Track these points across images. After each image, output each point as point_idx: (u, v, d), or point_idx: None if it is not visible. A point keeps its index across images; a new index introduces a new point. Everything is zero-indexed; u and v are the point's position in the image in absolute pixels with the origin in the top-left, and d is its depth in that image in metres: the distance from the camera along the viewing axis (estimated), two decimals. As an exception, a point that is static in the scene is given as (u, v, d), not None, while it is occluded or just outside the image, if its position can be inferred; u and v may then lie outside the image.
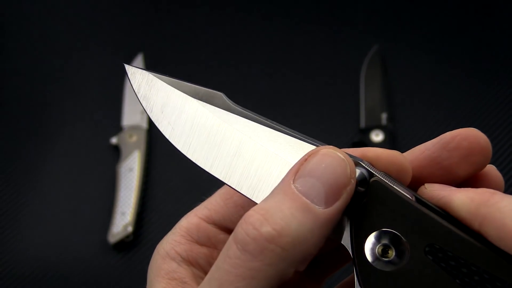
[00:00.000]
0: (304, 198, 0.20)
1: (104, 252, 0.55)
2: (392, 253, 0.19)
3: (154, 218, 0.56)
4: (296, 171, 0.21)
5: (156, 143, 0.60)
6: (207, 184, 0.62)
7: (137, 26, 0.67)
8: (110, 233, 0.54)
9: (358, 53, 0.64)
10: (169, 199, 0.57)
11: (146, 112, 0.26)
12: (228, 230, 0.27)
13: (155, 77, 0.25)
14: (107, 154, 0.59)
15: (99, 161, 0.59)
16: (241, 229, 0.20)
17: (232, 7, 0.68)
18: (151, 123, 0.61)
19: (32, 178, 0.58)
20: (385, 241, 0.20)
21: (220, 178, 0.23)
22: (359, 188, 0.20)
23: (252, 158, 0.23)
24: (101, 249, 0.55)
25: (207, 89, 0.24)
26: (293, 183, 0.20)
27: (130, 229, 0.54)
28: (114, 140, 0.59)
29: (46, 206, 0.57)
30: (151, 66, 0.64)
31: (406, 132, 0.60)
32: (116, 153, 0.59)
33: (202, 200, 0.28)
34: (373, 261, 0.19)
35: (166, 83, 0.25)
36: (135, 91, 0.25)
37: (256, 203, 0.22)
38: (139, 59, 0.64)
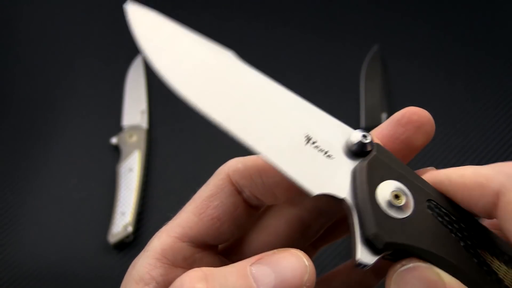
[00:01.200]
0: (252, 280, 0.20)
1: (104, 252, 0.55)
2: (402, 200, 0.20)
3: (154, 218, 0.56)
4: (259, 258, 0.21)
5: (156, 143, 0.60)
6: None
7: (137, 26, 0.67)
8: (110, 233, 0.54)
9: (358, 53, 0.65)
10: (169, 199, 0.57)
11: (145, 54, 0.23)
12: (205, 246, 0.26)
13: (162, 19, 0.23)
14: (107, 154, 0.59)
15: (99, 161, 0.59)
16: (180, 278, 0.21)
17: (232, 8, 0.68)
18: (151, 123, 0.61)
19: (32, 178, 0.58)
20: (395, 189, 0.20)
21: (219, 121, 0.21)
22: (368, 145, 0.21)
23: (268, 121, 0.21)
24: (101, 249, 0.55)
25: (217, 44, 0.23)
26: (251, 265, 0.21)
27: (130, 229, 0.54)
28: (114, 140, 0.59)
29: (46, 206, 0.57)
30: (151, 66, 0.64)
31: (406, 132, 0.60)
32: (116, 153, 0.59)
33: (169, 218, 0.27)
34: (386, 206, 0.20)
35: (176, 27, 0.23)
36: (134, 29, 0.23)
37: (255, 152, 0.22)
38: (139, 59, 0.64)
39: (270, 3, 0.68)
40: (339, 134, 0.22)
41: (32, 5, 0.69)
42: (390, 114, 0.60)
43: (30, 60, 0.65)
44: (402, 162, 0.22)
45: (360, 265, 0.19)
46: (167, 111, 0.62)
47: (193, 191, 0.62)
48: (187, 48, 0.23)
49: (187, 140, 0.60)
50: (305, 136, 0.22)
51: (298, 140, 0.21)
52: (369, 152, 0.21)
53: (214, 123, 0.21)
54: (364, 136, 0.21)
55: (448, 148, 0.59)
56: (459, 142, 0.59)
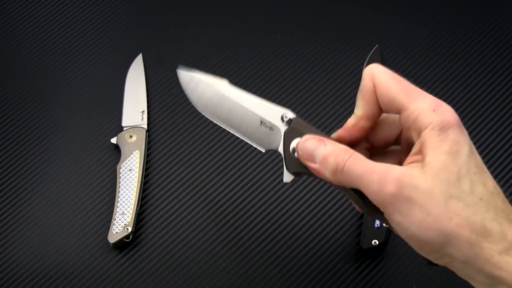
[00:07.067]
0: None
1: (104, 252, 0.55)
2: None
3: (154, 218, 0.56)
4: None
5: (156, 143, 0.60)
6: (206, 184, 0.62)
7: (137, 26, 0.67)
8: (110, 233, 0.54)
9: (358, 53, 0.65)
10: (169, 199, 0.57)
11: (186, 93, 0.44)
12: None
13: (193, 74, 0.43)
14: (107, 154, 0.60)
15: (99, 161, 0.59)
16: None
17: (232, 7, 0.68)
18: (151, 123, 0.61)
19: (32, 178, 0.58)
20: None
21: (222, 126, 0.42)
22: (290, 118, 0.38)
23: (242, 118, 0.41)
24: (101, 249, 0.55)
25: (214, 76, 0.43)
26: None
27: (130, 229, 0.54)
28: (114, 140, 0.59)
29: (46, 206, 0.57)
30: (151, 66, 0.64)
31: (406, 132, 0.60)
32: (116, 153, 0.59)
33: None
34: (292, 152, 0.38)
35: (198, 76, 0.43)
36: (182, 83, 0.44)
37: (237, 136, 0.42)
38: (139, 59, 0.64)
39: (270, 3, 0.68)
40: (277, 114, 0.39)
41: (30, 4, 0.69)
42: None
43: (29, 60, 0.65)
44: (310, 125, 0.38)
45: (286, 183, 0.40)
46: (167, 111, 0.62)
47: (193, 191, 0.62)
48: (205, 85, 0.43)
49: (187, 140, 0.60)
50: (260, 121, 0.40)
51: (257, 123, 0.40)
52: (291, 123, 0.38)
53: (217, 124, 0.42)
54: (288, 116, 0.38)
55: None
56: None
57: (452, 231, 0.31)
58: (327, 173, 0.36)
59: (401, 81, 0.35)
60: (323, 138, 0.37)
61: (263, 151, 0.40)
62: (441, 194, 0.32)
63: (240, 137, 0.41)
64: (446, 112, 0.34)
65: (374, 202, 0.34)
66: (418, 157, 0.34)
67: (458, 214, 0.32)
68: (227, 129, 0.41)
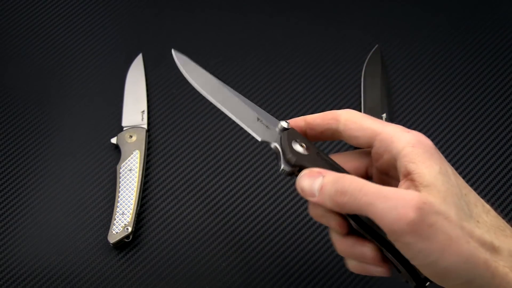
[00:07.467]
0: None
1: (104, 252, 0.55)
2: (304, 146, 0.39)
3: (154, 218, 0.56)
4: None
5: (156, 143, 0.60)
6: (206, 184, 0.62)
7: (137, 26, 0.67)
8: (110, 233, 0.54)
9: (358, 53, 0.65)
10: (169, 199, 0.57)
11: (187, 78, 0.44)
12: None
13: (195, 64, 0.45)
14: (107, 154, 0.60)
15: (99, 161, 0.59)
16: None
17: (232, 7, 0.68)
18: (151, 123, 0.61)
19: (31, 178, 0.58)
20: (301, 142, 0.39)
21: (218, 106, 0.42)
22: (287, 126, 0.40)
23: (235, 106, 0.42)
24: (101, 249, 0.55)
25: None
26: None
27: (130, 229, 0.54)
28: (114, 140, 0.59)
29: (46, 206, 0.57)
30: (151, 66, 0.64)
31: (406, 132, 0.60)
32: (116, 153, 0.59)
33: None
34: (296, 148, 0.39)
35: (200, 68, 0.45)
36: (180, 67, 0.45)
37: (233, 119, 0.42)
38: (139, 59, 0.64)
39: (270, 3, 0.68)
40: (273, 120, 0.41)
41: (30, 4, 0.69)
42: (390, 114, 0.60)
43: (28, 59, 0.65)
44: (303, 136, 0.41)
45: (283, 171, 0.38)
46: (167, 111, 0.62)
47: (193, 191, 0.62)
48: (202, 72, 0.44)
49: (187, 140, 0.60)
50: (257, 118, 0.41)
51: (254, 118, 0.41)
52: (288, 129, 0.40)
53: (215, 105, 0.42)
54: (287, 123, 0.40)
55: (448, 149, 0.59)
56: (458, 143, 0.59)
57: (472, 254, 0.31)
58: (327, 202, 0.35)
59: (371, 117, 0.38)
60: (321, 170, 0.36)
61: (259, 140, 0.40)
62: (455, 216, 0.31)
63: (234, 120, 0.42)
64: (419, 134, 0.35)
65: (388, 231, 0.32)
66: (410, 177, 0.33)
67: (472, 235, 0.31)
68: (223, 111, 0.42)
